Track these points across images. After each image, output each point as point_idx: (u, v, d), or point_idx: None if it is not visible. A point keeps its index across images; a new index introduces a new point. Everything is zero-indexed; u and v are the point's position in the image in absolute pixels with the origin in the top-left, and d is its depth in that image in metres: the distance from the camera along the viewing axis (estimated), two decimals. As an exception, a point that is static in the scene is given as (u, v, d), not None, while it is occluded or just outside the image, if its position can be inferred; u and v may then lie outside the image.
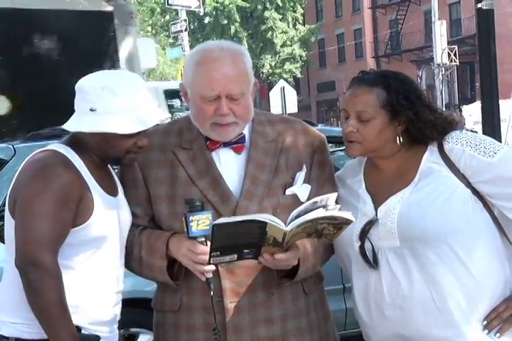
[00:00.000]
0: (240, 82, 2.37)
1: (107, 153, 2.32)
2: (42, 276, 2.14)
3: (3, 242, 3.97)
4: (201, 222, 2.19)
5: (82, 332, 2.25)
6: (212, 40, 2.49)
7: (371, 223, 2.37)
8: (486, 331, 2.33)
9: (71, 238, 2.24)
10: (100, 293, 2.32)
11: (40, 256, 2.15)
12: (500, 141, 4.63)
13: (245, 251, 2.18)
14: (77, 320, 2.21)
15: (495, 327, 2.33)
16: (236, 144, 2.44)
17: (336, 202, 2.26)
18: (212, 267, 2.25)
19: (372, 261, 2.38)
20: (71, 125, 2.31)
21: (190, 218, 2.20)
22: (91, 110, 2.26)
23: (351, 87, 2.43)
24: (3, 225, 4.11)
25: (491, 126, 5.92)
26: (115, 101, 2.25)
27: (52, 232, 2.18)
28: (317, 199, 2.19)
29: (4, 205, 3.99)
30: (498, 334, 2.33)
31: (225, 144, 2.43)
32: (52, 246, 2.19)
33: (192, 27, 38.47)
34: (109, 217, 2.31)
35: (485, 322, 2.33)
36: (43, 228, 2.17)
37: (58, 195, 2.20)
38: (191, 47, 29.48)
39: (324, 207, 2.19)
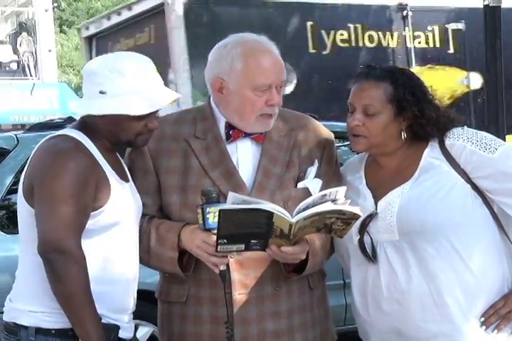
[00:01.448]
0: (284, 72, 2.44)
1: (118, 137, 2.30)
2: (67, 263, 2.11)
3: (4, 232, 4.01)
4: (217, 214, 2.15)
5: (102, 321, 2.21)
6: (241, 33, 2.52)
7: (371, 217, 2.38)
8: (484, 327, 2.33)
9: (89, 223, 2.20)
10: (117, 280, 2.28)
11: (65, 242, 2.12)
12: (504, 139, 4.62)
13: (253, 241, 2.17)
14: (97, 307, 2.17)
15: (492, 323, 2.34)
16: (256, 134, 2.45)
17: None
18: (225, 259, 2.25)
19: (371, 255, 2.39)
20: (80, 108, 2.28)
21: (207, 210, 2.19)
22: (100, 93, 2.23)
23: (358, 82, 2.44)
24: (4, 214, 4.14)
25: (495, 123, 5.92)
26: (124, 83, 2.22)
27: (75, 217, 2.15)
28: (326, 192, 2.19)
29: (7, 194, 4.02)
30: (495, 331, 2.34)
31: (246, 134, 2.44)
32: (77, 232, 2.15)
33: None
34: (124, 203, 2.29)
35: (482, 319, 2.34)
36: (66, 213, 2.14)
37: (78, 178, 2.16)
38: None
39: (333, 201, 2.18)
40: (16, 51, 22.58)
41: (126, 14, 8.85)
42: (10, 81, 21.67)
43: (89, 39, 9.79)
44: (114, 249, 2.27)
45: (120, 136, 2.29)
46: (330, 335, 2.60)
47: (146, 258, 2.42)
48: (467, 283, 2.33)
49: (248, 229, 2.13)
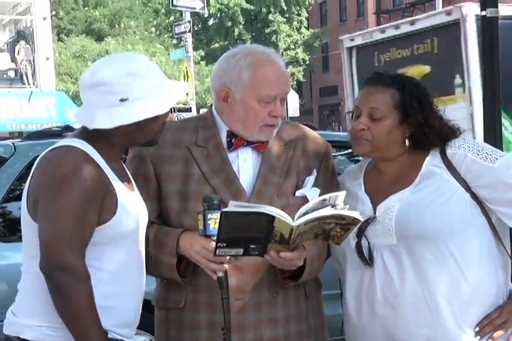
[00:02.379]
0: (289, 84, 2.50)
1: (139, 140, 2.26)
2: (71, 281, 2.04)
3: (2, 240, 4.00)
4: (218, 221, 2.16)
5: (109, 336, 2.16)
6: (250, 44, 2.60)
7: (369, 220, 2.39)
8: (478, 337, 2.35)
9: (98, 237, 2.15)
10: (125, 293, 2.24)
11: (68, 259, 2.05)
12: (501, 150, 4.64)
13: (252, 246, 2.18)
14: (103, 322, 2.12)
15: (487, 333, 2.35)
16: (257, 143, 2.48)
17: None
18: (225, 266, 2.25)
19: (367, 259, 2.40)
20: (105, 122, 2.16)
21: (209, 216, 2.20)
22: (121, 100, 2.15)
23: (366, 86, 2.49)
24: (1, 223, 4.13)
25: (493, 135, 5.92)
26: (144, 85, 2.17)
27: (79, 233, 2.09)
28: (326, 197, 2.20)
29: (4, 202, 4.01)
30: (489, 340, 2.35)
31: (248, 143, 2.46)
32: (80, 248, 2.09)
33: (196, 28, 38.51)
34: (133, 213, 2.23)
35: (477, 329, 2.35)
36: (70, 229, 2.07)
37: (82, 192, 2.09)
38: (194, 48, 29.49)
39: (333, 206, 2.19)
40: (13, 59, 22.59)
41: (406, 28, 10.58)
42: (8, 89, 21.68)
43: (349, 49, 11.45)
44: (123, 262, 2.23)
45: (142, 139, 2.26)
46: None
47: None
48: (462, 290, 2.34)
49: (248, 234, 2.14)
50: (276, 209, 2.15)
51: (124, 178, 2.27)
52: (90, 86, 2.20)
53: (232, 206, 2.13)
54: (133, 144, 2.31)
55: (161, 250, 2.38)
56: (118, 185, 2.21)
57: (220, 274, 2.27)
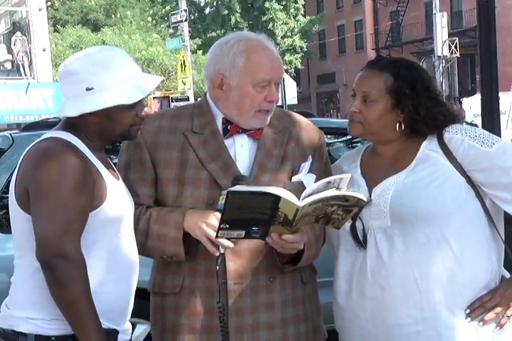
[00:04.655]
0: (282, 69, 2.52)
1: (113, 131, 2.27)
2: (69, 268, 2.06)
3: (1, 231, 4.00)
4: (225, 196, 2.15)
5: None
6: (241, 31, 2.63)
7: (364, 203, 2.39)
8: (469, 319, 2.35)
9: (87, 224, 2.16)
10: (119, 280, 2.25)
11: (66, 246, 2.07)
12: (499, 135, 4.64)
13: (254, 228, 2.19)
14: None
15: (478, 316, 2.36)
16: (252, 130, 2.50)
17: None
18: (230, 243, 2.26)
19: (361, 241, 2.41)
20: (71, 110, 2.22)
21: (222, 192, 2.20)
22: (87, 89, 2.19)
23: (363, 69, 2.50)
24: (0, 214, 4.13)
25: (491, 120, 5.91)
26: (110, 75, 2.20)
27: (74, 221, 2.11)
28: (330, 179, 2.22)
29: (2, 194, 4.01)
30: (480, 323, 2.36)
31: (243, 130, 2.48)
32: (76, 235, 2.12)
33: (192, 17, 38.39)
34: (120, 201, 2.26)
35: (468, 311, 2.36)
36: (65, 217, 2.09)
37: (74, 181, 2.12)
38: (191, 37, 29.40)
39: (337, 188, 2.21)
40: (10, 50, 22.58)
41: None
42: (4, 80, 21.68)
43: None
44: (110, 249, 2.24)
45: (115, 130, 2.27)
46: (321, 332, 2.63)
47: (142, 240, 2.41)
48: (454, 273, 2.35)
49: (252, 215, 2.15)
50: (282, 189, 2.16)
51: (108, 168, 2.30)
52: (62, 77, 2.26)
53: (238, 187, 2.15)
54: (111, 136, 2.30)
55: (165, 224, 2.38)
56: (105, 174, 2.24)
57: (222, 250, 2.29)
